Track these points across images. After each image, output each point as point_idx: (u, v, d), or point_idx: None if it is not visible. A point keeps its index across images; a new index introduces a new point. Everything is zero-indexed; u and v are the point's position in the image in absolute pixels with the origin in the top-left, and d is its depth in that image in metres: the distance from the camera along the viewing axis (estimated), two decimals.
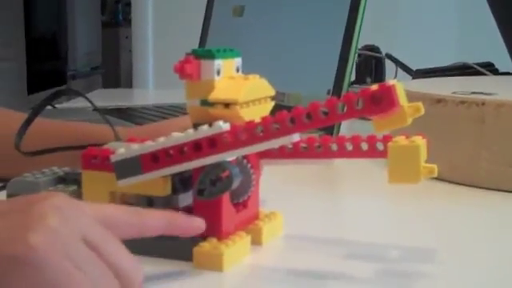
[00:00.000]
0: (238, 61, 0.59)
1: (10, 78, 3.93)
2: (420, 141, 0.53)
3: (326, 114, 0.53)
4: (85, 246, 0.43)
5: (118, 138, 0.68)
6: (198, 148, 0.54)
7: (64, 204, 0.44)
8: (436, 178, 0.65)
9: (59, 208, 0.44)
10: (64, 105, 1.53)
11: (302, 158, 0.59)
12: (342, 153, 0.57)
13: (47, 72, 4.51)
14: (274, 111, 0.55)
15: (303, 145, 0.59)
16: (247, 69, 0.60)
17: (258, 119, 0.54)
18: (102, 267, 0.44)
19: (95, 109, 0.73)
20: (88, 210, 0.46)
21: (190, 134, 0.54)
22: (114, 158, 0.56)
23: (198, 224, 0.51)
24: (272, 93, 0.59)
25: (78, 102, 1.50)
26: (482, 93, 0.83)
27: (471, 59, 1.42)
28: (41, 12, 4.59)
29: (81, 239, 0.44)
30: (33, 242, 0.41)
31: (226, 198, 0.56)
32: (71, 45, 4.98)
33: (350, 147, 0.57)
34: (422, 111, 0.53)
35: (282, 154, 0.59)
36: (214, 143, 0.53)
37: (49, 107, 1.21)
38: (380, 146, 0.55)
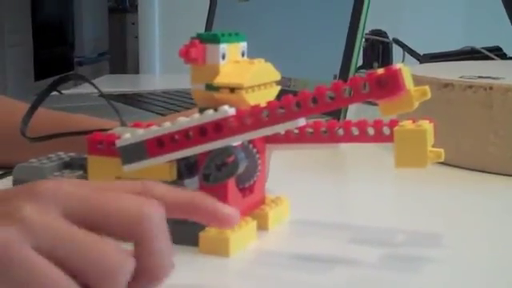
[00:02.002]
0: (243, 45, 0.59)
1: (17, 64, 3.93)
2: (427, 125, 0.53)
3: (332, 98, 0.53)
4: (65, 224, 0.41)
5: (123, 124, 0.68)
6: (203, 133, 0.54)
7: (47, 190, 0.42)
8: (443, 163, 0.65)
9: (39, 195, 0.41)
10: (70, 91, 1.53)
11: (308, 143, 0.59)
12: (349, 137, 0.57)
13: (54, 58, 4.52)
14: (280, 96, 0.55)
15: (309, 129, 0.58)
16: (253, 54, 0.59)
17: (263, 104, 0.54)
18: (80, 250, 0.40)
19: (101, 94, 0.73)
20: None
21: (196, 119, 0.54)
22: (119, 143, 0.56)
23: (230, 212, 0.45)
24: (278, 77, 0.59)
25: (85, 88, 1.50)
26: (489, 77, 0.82)
27: (479, 43, 1.41)
28: None
29: (61, 218, 0.41)
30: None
31: (231, 182, 0.56)
32: (78, 31, 4.98)
33: (356, 132, 0.57)
34: (429, 95, 0.52)
35: (287, 138, 0.59)
36: (219, 128, 0.53)
37: (55, 93, 1.21)
38: (386, 131, 0.55)
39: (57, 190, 0.42)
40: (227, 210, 0.45)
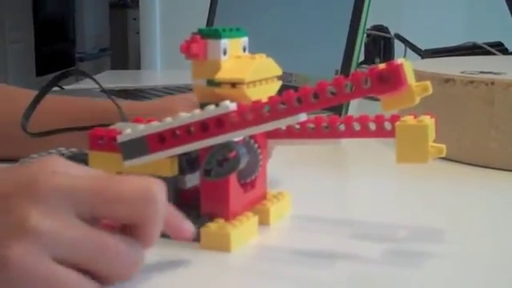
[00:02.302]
0: (244, 40, 0.59)
1: (18, 60, 3.93)
2: (428, 120, 0.53)
3: (333, 93, 0.52)
4: (79, 224, 0.41)
5: (124, 119, 0.68)
6: (204, 128, 0.53)
7: (49, 188, 0.41)
8: (444, 158, 0.65)
9: (43, 196, 0.40)
10: (72, 86, 1.53)
11: (310, 138, 0.59)
12: (350, 133, 0.57)
13: (56, 54, 4.52)
14: (281, 92, 0.55)
15: (311, 125, 0.58)
16: (255, 49, 0.59)
17: (264, 99, 0.54)
18: (96, 253, 0.42)
19: (102, 90, 0.73)
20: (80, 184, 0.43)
21: (197, 114, 0.54)
22: (120, 139, 0.56)
23: (188, 228, 0.48)
24: (279, 72, 0.59)
25: (86, 84, 1.50)
26: (491, 72, 0.82)
27: (481, 39, 1.41)
28: None
29: (75, 218, 0.41)
30: (13, 257, 0.39)
31: (233, 178, 0.56)
32: (79, 27, 4.98)
33: (357, 127, 0.57)
34: (430, 90, 0.52)
35: (289, 133, 0.59)
36: (220, 123, 0.53)
37: (57, 88, 1.21)
38: (388, 126, 0.55)
39: (60, 186, 0.41)
40: (189, 226, 0.48)
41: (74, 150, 0.65)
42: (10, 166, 0.45)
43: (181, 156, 0.56)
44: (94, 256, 0.41)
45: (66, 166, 0.43)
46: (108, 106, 0.74)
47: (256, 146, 0.58)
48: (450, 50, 1.39)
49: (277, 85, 0.59)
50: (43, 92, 0.70)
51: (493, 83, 0.78)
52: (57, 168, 0.43)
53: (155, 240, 0.44)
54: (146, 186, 0.43)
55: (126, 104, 0.71)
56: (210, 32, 0.56)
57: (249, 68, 0.56)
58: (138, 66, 2.87)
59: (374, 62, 1.48)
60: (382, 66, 0.51)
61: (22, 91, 0.81)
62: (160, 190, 0.44)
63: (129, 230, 0.44)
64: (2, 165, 0.71)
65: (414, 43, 1.48)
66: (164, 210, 0.44)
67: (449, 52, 1.36)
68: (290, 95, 0.53)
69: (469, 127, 0.80)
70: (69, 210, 0.41)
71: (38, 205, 0.40)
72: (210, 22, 1.33)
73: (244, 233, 0.55)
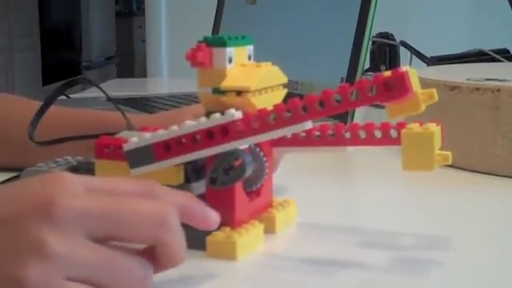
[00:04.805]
0: (249, 48, 0.59)
1: (25, 69, 3.95)
2: (434, 128, 0.53)
3: (338, 101, 0.52)
4: (90, 244, 0.42)
5: (130, 128, 0.68)
6: (210, 136, 0.54)
7: (64, 211, 0.42)
8: (450, 166, 0.65)
9: (58, 219, 0.41)
10: (78, 95, 1.54)
11: (315, 146, 0.59)
12: (356, 140, 0.57)
13: (62, 63, 4.54)
14: (287, 99, 0.55)
15: (316, 132, 0.58)
16: (260, 57, 0.59)
17: (270, 107, 0.54)
18: (110, 272, 0.43)
19: (108, 98, 0.73)
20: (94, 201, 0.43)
21: (203, 122, 0.54)
22: (126, 147, 0.56)
23: (213, 218, 0.48)
24: (284, 80, 0.59)
25: (92, 92, 1.51)
26: (496, 79, 0.82)
27: (486, 46, 1.41)
28: (55, 2, 4.61)
29: (87, 239, 0.42)
30: (29, 277, 0.40)
31: (238, 186, 0.56)
32: (85, 35, 5.00)
33: (363, 135, 0.56)
34: (436, 98, 0.52)
35: (294, 141, 0.59)
36: (226, 131, 0.53)
37: (63, 97, 1.21)
38: (394, 134, 0.55)
39: (75, 209, 0.42)
40: (214, 215, 0.48)
41: (79, 158, 0.65)
42: (20, 181, 0.45)
43: (186, 164, 0.56)
44: (103, 274, 0.42)
45: (75, 183, 0.44)
46: (113, 117, 0.75)
47: (262, 154, 0.58)
48: (455, 57, 1.39)
49: (282, 93, 0.59)
50: (50, 101, 0.70)
51: (499, 90, 0.78)
52: (67, 186, 0.43)
53: (178, 258, 0.45)
54: (158, 212, 0.44)
55: (131, 116, 0.71)
56: (216, 40, 0.56)
57: (254, 76, 0.56)
58: (144, 74, 2.88)
59: (379, 70, 1.48)
60: (387, 73, 0.51)
61: (29, 102, 0.81)
62: (172, 215, 0.44)
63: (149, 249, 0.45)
64: (2, 174, 0.71)
65: (420, 50, 1.48)
66: (180, 234, 0.45)
67: (454, 59, 1.36)
68: (296, 103, 0.53)
69: (475, 134, 0.80)
70: (82, 232, 0.42)
71: (52, 227, 0.41)
72: (215, 30, 1.34)
73: (250, 241, 0.55)
